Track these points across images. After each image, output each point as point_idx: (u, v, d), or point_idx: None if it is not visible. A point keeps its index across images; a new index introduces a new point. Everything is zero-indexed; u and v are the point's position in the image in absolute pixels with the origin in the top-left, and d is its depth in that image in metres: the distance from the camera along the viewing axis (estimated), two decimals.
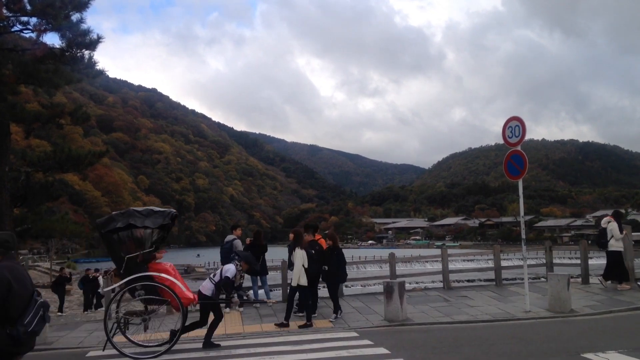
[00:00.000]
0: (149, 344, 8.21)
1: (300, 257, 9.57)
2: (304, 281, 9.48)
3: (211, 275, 8.62)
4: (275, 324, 9.66)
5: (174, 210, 8.46)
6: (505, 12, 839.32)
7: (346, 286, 13.48)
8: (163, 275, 8.02)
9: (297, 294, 9.96)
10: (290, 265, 9.93)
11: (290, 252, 9.86)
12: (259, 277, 12.11)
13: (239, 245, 11.76)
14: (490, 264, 14.87)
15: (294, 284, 9.58)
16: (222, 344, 8.45)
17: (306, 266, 9.56)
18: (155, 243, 8.20)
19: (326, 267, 10.23)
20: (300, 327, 9.40)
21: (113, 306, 8.14)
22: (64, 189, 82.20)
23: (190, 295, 8.14)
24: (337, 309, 10.27)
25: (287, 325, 9.46)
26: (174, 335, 8.01)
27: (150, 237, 8.08)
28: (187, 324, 8.25)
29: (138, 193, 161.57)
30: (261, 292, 12.23)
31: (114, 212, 8.12)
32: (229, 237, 11.90)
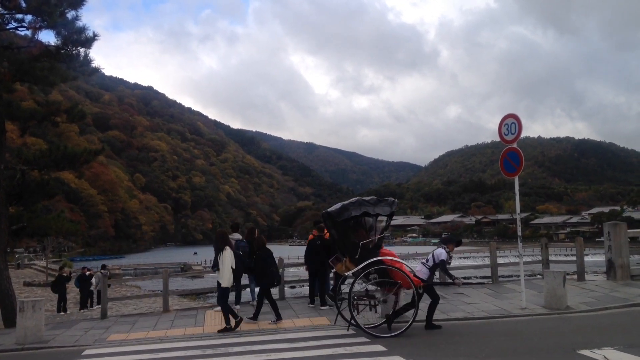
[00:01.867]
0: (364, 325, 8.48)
1: (229, 257, 9.46)
2: (227, 283, 9.39)
3: (423, 261, 8.93)
4: (220, 330, 9.43)
5: (396, 200, 9.03)
6: (498, 9, 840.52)
7: (343, 284, 13.46)
8: (393, 258, 8.49)
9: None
10: (215, 266, 9.64)
11: (217, 254, 9.59)
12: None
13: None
14: (487, 261, 14.91)
15: (226, 284, 9.42)
16: (218, 342, 8.45)
17: (234, 267, 9.48)
18: (385, 230, 8.87)
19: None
20: (219, 331, 9.27)
21: (353, 289, 8.46)
22: (60, 187, 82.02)
23: (416, 278, 8.46)
24: (277, 313, 10.01)
25: (230, 328, 9.35)
26: (393, 317, 8.48)
27: (380, 224, 8.64)
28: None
29: (134, 191, 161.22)
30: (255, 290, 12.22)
31: (344, 202, 8.56)
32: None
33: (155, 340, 9.04)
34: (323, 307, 11.02)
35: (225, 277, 9.38)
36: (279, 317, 9.89)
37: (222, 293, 9.57)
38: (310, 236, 11.84)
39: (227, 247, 9.55)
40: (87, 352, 8.39)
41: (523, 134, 10.47)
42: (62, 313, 19.45)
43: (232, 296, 12.05)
